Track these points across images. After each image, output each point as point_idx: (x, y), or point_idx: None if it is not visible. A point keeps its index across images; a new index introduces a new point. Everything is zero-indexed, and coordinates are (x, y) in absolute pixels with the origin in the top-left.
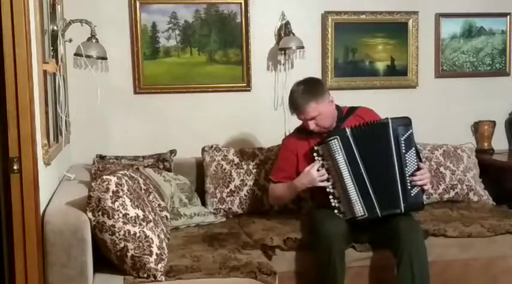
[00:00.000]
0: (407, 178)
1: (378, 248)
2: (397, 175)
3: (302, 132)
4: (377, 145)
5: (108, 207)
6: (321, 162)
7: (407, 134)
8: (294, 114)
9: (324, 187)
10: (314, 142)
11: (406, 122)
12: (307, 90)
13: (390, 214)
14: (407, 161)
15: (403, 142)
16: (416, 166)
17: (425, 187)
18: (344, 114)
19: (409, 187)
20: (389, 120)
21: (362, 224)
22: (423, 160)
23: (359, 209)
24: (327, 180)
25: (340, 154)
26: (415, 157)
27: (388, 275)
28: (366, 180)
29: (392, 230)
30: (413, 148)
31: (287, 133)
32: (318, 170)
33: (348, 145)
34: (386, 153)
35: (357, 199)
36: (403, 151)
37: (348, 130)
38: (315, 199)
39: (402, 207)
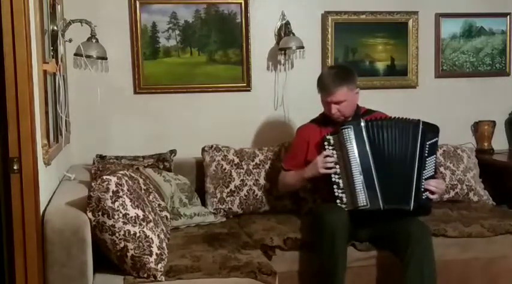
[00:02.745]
0: (423, 180)
1: (378, 248)
2: (415, 174)
3: (317, 122)
4: (400, 141)
5: (108, 207)
6: (330, 151)
7: (434, 141)
8: (321, 93)
9: (329, 181)
10: (327, 133)
11: (435, 129)
12: (341, 75)
13: (395, 209)
14: (427, 165)
15: (427, 146)
16: (433, 173)
17: (433, 196)
18: (362, 112)
19: (422, 190)
20: (421, 122)
21: (363, 220)
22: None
23: (362, 199)
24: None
25: (352, 143)
26: (433, 165)
27: (388, 276)
28: (373, 172)
29: (402, 232)
30: (434, 156)
31: (287, 133)
32: (325, 156)
33: (360, 136)
34: (409, 152)
35: (361, 189)
36: (426, 154)
37: (362, 122)
38: (318, 193)
39: (412, 205)
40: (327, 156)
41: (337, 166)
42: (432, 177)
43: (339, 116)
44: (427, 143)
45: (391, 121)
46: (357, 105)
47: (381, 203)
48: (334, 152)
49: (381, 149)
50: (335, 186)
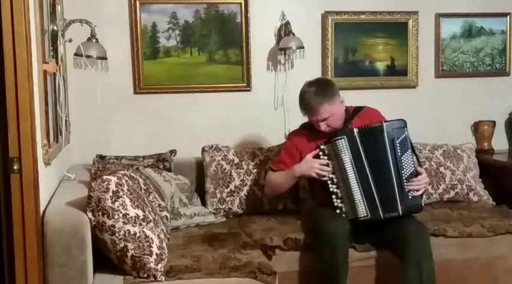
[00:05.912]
0: (405, 180)
1: (379, 249)
2: (394, 178)
3: (309, 129)
4: (375, 148)
5: (108, 207)
6: (326, 161)
7: (402, 137)
8: (306, 115)
9: (326, 186)
10: (320, 142)
11: (400, 125)
12: (320, 92)
13: (391, 217)
14: (403, 164)
15: (398, 145)
16: (413, 168)
17: (418, 193)
18: (350, 113)
19: (407, 190)
20: (384, 124)
21: (364, 225)
22: (422, 161)
23: (362, 210)
24: (331, 179)
25: (347, 154)
26: (411, 160)
27: (388, 276)
28: (371, 181)
29: (399, 232)
30: (409, 151)
31: (287, 133)
32: (321, 164)
33: (355, 146)
34: (384, 156)
35: (361, 200)
36: (399, 154)
37: (355, 131)
38: (316, 197)
39: (400, 210)
40: (322, 164)
41: (333, 175)
42: (413, 174)
43: (330, 130)
44: (397, 142)
45: (368, 128)
46: (345, 107)
47: (381, 213)
48: (330, 162)
49: (373, 156)
50: (334, 196)
